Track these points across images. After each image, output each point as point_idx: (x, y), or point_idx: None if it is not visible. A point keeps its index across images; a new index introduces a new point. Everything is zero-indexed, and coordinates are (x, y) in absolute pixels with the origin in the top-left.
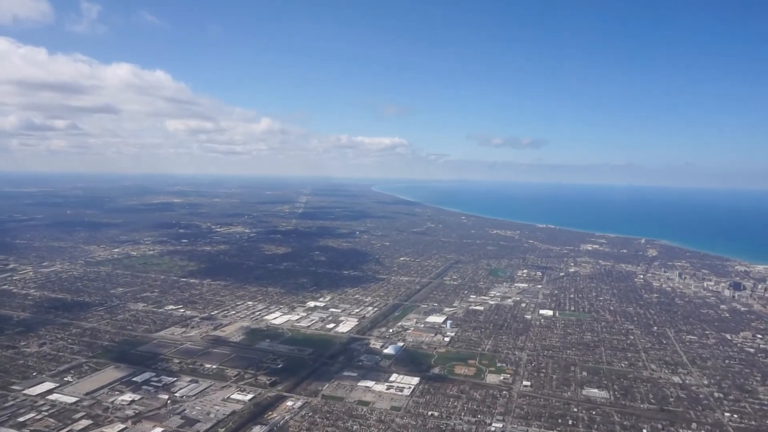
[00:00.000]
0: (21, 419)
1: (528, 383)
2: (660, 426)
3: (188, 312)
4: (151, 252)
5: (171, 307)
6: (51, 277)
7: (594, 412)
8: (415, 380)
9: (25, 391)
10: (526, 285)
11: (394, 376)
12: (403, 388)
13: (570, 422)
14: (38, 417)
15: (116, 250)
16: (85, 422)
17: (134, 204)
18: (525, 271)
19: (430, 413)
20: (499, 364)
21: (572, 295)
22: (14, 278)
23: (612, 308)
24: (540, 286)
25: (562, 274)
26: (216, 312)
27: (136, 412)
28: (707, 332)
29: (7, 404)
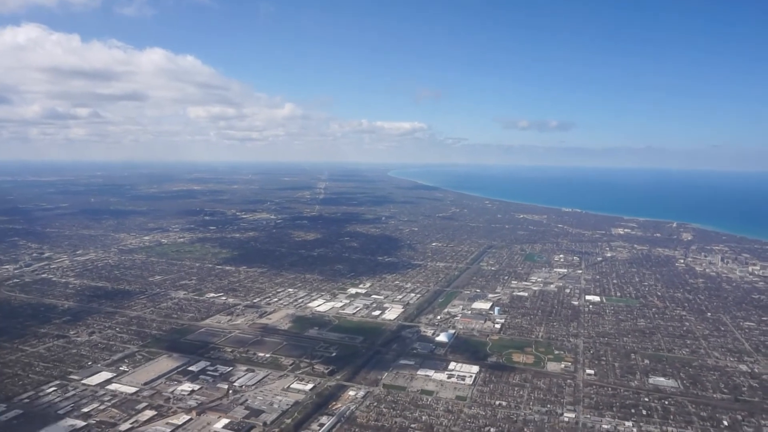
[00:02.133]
0: (85, 410)
1: (591, 371)
2: (740, 417)
3: (230, 300)
4: (182, 239)
5: (212, 294)
6: (87, 266)
7: (666, 402)
8: (475, 369)
9: (83, 381)
10: (566, 270)
11: (452, 365)
12: (465, 376)
13: (644, 412)
14: (101, 407)
15: (146, 237)
16: (149, 413)
17: (155, 191)
18: (561, 256)
19: (497, 403)
20: (557, 352)
21: (615, 281)
22: (52, 267)
23: (659, 294)
24: (580, 272)
25: (599, 258)
26: (258, 299)
27: (199, 402)
28: (764, 318)
29: (68, 394)
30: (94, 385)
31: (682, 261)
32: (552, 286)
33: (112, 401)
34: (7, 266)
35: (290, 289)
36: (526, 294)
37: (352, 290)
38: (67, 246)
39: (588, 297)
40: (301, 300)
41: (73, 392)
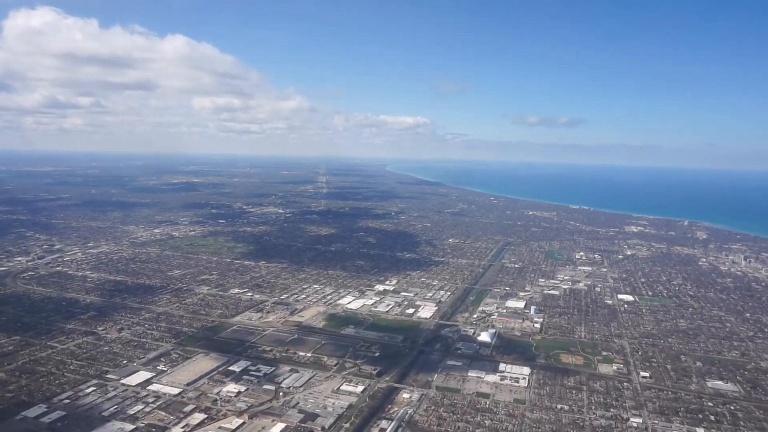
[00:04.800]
0: (130, 411)
1: (646, 374)
2: None
3: (256, 296)
4: (193, 233)
5: (236, 290)
6: (102, 259)
7: (732, 407)
8: (526, 370)
9: (122, 381)
10: (590, 268)
11: (502, 366)
12: (518, 378)
13: (712, 418)
14: (147, 410)
15: (157, 230)
16: (199, 416)
17: (156, 183)
18: (582, 253)
19: (558, 406)
20: (604, 353)
21: (643, 279)
22: (65, 259)
23: (691, 293)
24: (605, 270)
25: (620, 257)
26: (285, 296)
27: (248, 404)
28: None
29: (109, 395)
30: (135, 386)
31: (704, 260)
32: (581, 284)
33: (157, 403)
34: (18, 258)
35: (315, 286)
36: (557, 293)
37: (380, 287)
38: (77, 238)
39: (620, 296)
40: (329, 297)
41: (113, 393)
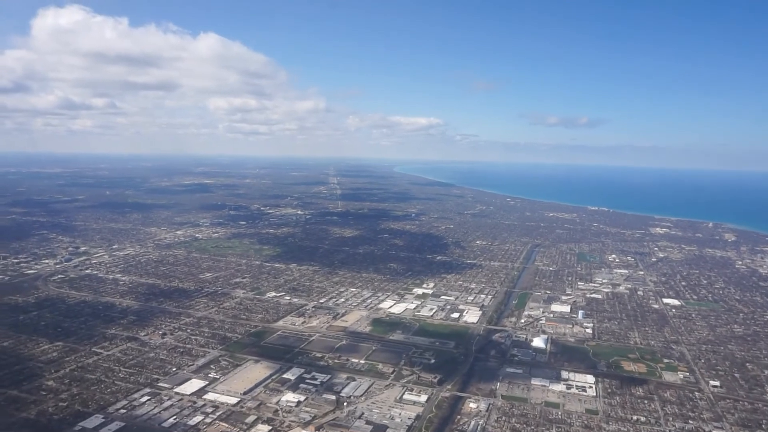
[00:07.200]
0: (190, 422)
1: (716, 383)
2: None
3: (295, 300)
4: (216, 234)
5: (273, 294)
6: (129, 261)
7: None
8: (590, 378)
9: (176, 390)
10: (626, 271)
11: (564, 374)
12: (584, 387)
13: None
14: (208, 420)
15: (179, 232)
16: (263, 428)
17: (168, 185)
18: (614, 256)
19: (635, 418)
20: (666, 361)
21: (683, 283)
22: (92, 262)
23: (737, 297)
24: (642, 273)
25: (654, 259)
26: (324, 300)
27: (311, 415)
28: None
29: (165, 405)
30: (190, 395)
31: (740, 263)
32: (621, 287)
33: (217, 413)
34: (46, 261)
35: (352, 289)
36: (599, 296)
37: (418, 291)
38: (100, 240)
39: (666, 300)
40: (369, 300)
41: (169, 402)
